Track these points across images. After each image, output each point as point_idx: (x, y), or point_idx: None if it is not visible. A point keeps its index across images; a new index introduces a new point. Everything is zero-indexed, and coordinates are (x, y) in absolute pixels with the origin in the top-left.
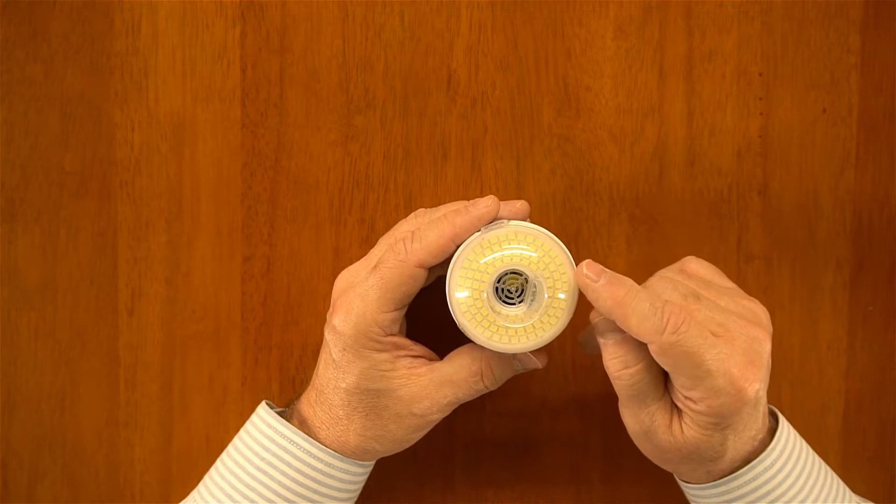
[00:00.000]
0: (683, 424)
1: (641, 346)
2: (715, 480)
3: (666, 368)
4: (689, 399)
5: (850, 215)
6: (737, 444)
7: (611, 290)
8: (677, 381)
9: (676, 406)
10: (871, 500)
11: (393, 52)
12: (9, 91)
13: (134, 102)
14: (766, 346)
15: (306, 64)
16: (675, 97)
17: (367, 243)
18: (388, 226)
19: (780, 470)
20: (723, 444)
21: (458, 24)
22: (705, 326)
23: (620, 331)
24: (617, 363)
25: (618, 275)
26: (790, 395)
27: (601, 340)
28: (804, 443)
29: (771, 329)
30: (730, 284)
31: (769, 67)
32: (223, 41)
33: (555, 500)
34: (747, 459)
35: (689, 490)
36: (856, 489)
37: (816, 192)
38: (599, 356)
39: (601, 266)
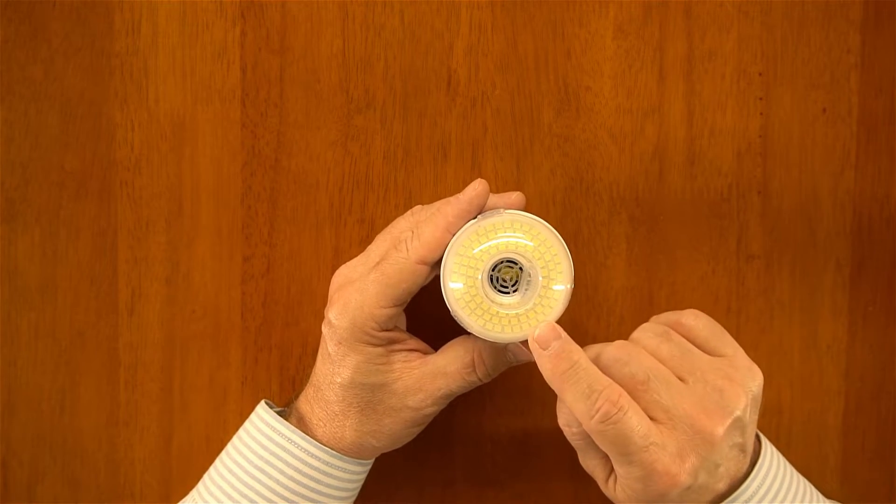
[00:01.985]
0: (618, 486)
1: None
2: None
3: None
4: (619, 473)
5: (850, 215)
6: None
7: (554, 363)
8: (609, 456)
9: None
10: (871, 500)
11: (393, 52)
12: (9, 91)
13: (134, 102)
14: (716, 434)
15: (306, 64)
16: (675, 97)
17: (367, 243)
18: (388, 225)
19: (759, 502)
20: None
21: (458, 24)
22: (646, 413)
23: None
24: (561, 418)
25: (568, 346)
26: (790, 395)
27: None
28: (788, 470)
29: (743, 400)
30: (722, 349)
31: (769, 67)
32: (223, 41)
33: (555, 499)
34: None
35: None
36: (856, 489)
37: (816, 192)
38: None
39: (558, 331)
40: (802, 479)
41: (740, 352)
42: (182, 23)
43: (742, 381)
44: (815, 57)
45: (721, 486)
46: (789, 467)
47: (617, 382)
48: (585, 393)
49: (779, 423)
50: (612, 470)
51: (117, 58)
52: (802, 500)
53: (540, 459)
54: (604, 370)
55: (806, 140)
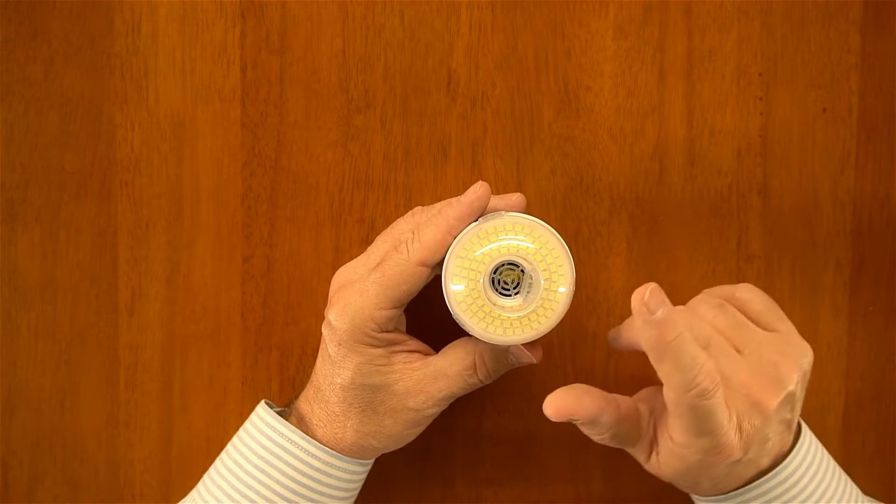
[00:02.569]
0: (667, 458)
1: (607, 422)
2: (722, 493)
3: (671, 412)
4: (674, 442)
5: (850, 215)
6: (715, 483)
7: (661, 330)
8: (675, 427)
9: (656, 441)
10: (871, 500)
11: (393, 52)
12: (9, 91)
13: (134, 102)
14: (770, 406)
15: (306, 64)
16: (675, 97)
17: (367, 243)
18: (388, 226)
19: (795, 483)
20: (697, 483)
21: (458, 24)
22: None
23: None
24: (590, 434)
25: (675, 314)
26: None
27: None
28: (825, 455)
29: (794, 376)
30: (773, 322)
31: (769, 67)
32: (223, 41)
33: (555, 499)
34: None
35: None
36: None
37: (816, 192)
38: (628, 352)
39: (663, 297)
40: (835, 464)
41: (793, 328)
42: (182, 23)
43: (796, 357)
44: (815, 57)
45: (765, 461)
46: (826, 455)
47: None
48: (689, 365)
49: None
50: (653, 447)
51: (117, 58)
52: (839, 484)
53: (540, 459)
54: None
55: (806, 140)
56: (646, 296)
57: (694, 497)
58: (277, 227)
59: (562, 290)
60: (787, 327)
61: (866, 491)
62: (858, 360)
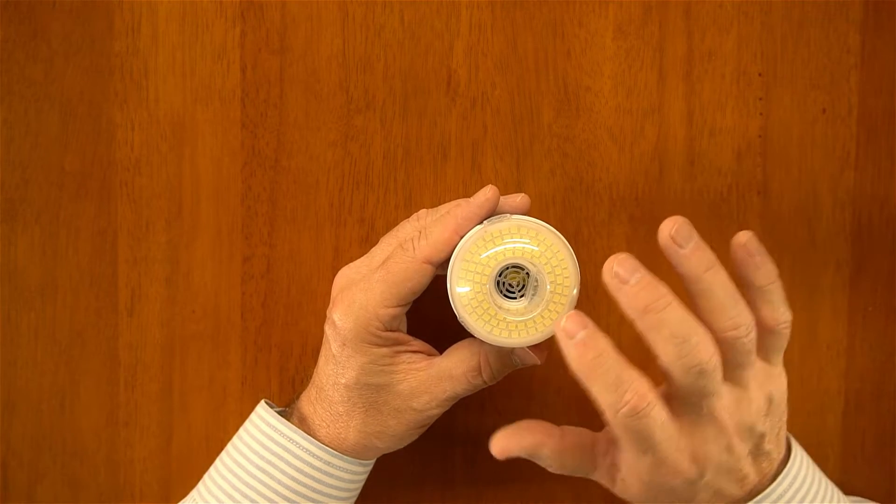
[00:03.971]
0: (627, 480)
1: (548, 454)
2: None
3: (613, 432)
4: (624, 462)
5: (850, 215)
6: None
7: (581, 351)
8: (622, 446)
9: (616, 466)
10: (871, 500)
11: (393, 52)
12: (9, 91)
13: (134, 102)
14: (724, 442)
15: (306, 64)
16: (675, 97)
17: (367, 243)
18: (388, 226)
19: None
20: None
21: (458, 24)
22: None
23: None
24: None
25: (595, 335)
26: (790, 396)
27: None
28: (817, 475)
29: (765, 410)
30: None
31: (769, 67)
32: (223, 41)
33: (555, 499)
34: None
35: None
36: (855, 489)
37: (816, 192)
38: None
39: (584, 320)
40: (832, 485)
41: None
42: (182, 23)
43: (763, 385)
44: (815, 57)
45: (735, 490)
46: (819, 472)
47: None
48: (614, 384)
49: None
50: (614, 475)
51: (117, 58)
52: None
53: None
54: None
55: (806, 140)
56: (563, 323)
57: None
58: (277, 227)
59: (566, 292)
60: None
61: (867, 491)
62: (858, 360)
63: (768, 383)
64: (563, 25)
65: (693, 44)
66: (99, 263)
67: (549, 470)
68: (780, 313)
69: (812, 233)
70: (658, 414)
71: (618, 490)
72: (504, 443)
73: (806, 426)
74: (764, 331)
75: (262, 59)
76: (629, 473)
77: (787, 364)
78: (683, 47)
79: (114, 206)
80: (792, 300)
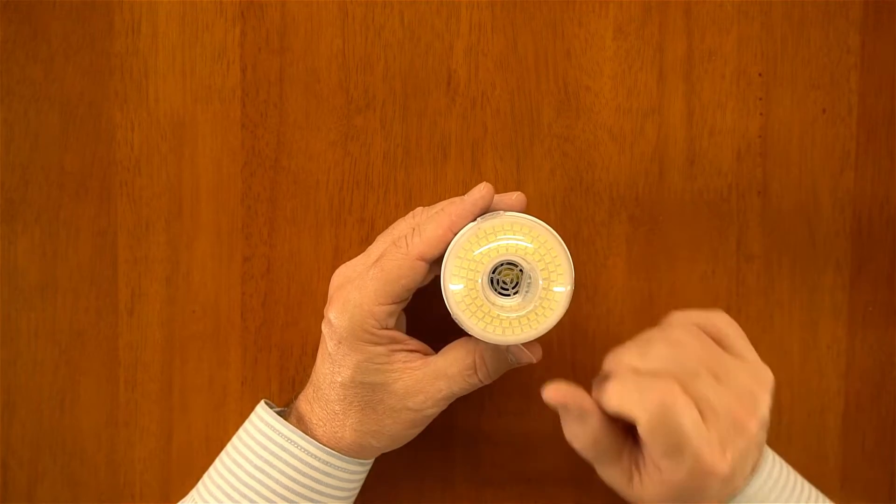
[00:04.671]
0: (650, 484)
1: (594, 423)
2: None
3: (644, 439)
4: (656, 467)
5: (850, 215)
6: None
7: (607, 396)
8: (653, 449)
9: (638, 469)
10: (871, 500)
11: (393, 52)
12: (9, 91)
13: (134, 102)
14: (752, 428)
15: (306, 64)
16: (675, 97)
17: (367, 243)
18: (388, 226)
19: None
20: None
21: (458, 24)
22: (695, 405)
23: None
24: (568, 432)
25: (581, 395)
26: (790, 395)
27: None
28: (791, 471)
29: (767, 401)
30: (742, 351)
31: (769, 67)
32: (223, 41)
33: (555, 499)
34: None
35: None
36: (855, 489)
37: (816, 192)
38: None
39: (564, 390)
40: (804, 482)
41: (757, 356)
42: (182, 23)
43: (764, 384)
44: (815, 57)
45: (741, 482)
46: (788, 468)
47: (672, 373)
48: (637, 389)
49: (779, 423)
50: (632, 474)
51: (117, 58)
52: (808, 501)
53: (540, 459)
54: (652, 361)
55: (806, 140)
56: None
57: None
58: (277, 227)
59: (560, 289)
60: (753, 356)
61: (867, 491)
62: (858, 360)
63: (761, 375)
64: (563, 25)
65: (693, 44)
66: (99, 263)
67: (577, 443)
68: (713, 316)
69: (812, 233)
70: (686, 410)
71: (633, 493)
72: (564, 390)
73: (806, 426)
74: (714, 339)
75: (262, 59)
76: (661, 480)
77: (788, 364)
78: (683, 47)
79: (114, 206)
80: (792, 300)
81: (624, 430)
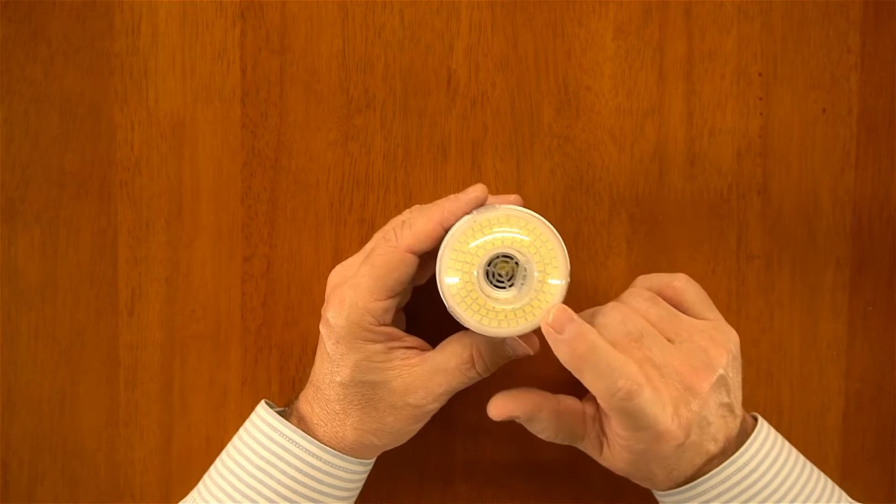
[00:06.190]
0: (618, 452)
1: (546, 418)
2: (677, 485)
3: (608, 414)
4: (618, 436)
5: (850, 215)
6: (668, 472)
7: (572, 346)
8: (616, 425)
9: (605, 435)
10: (871, 500)
11: (393, 52)
12: (9, 91)
13: (134, 102)
14: (703, 388)
15: (306, 64)
16: (675, 97)
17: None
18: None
19: (753, 470)
20: (651, 472)
21: (458, 24)
22: (640, 368)
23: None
24: (534, 432)
25: (583, 327)
26: (790, 395)
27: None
28: (785, 445)
29: (723, 359)
30: (703, 311)
31: (769, 67)
32: (223, 41)
33: (555, 499)
34: (708, 465)
35: (656, 495)
36: (855, 489)
37: (816, 192)
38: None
39: (570, 314)
40: (805, 461)
41: (720, 317)
42: (182, 23)
43: (723, 341)
44: (815, 57)
45: (712, 447)
46: (788, 445)
47: (613, 340)
48: (606, 372)
49: (779, 423)
50: (602, 443)
51: (117, 58)
52: (808, 479)
53: (540, 459)
54: (600, 329)
55: (806, 140)
56: (550, 318)
57: (655, 494)
58: (277, 227)
59: (556, 282)
60: (715, 315)
61: (867, 491)
62: (858, 360)
63: (718, 335)
64: (563, 25)
65: (693, 44)
66: (99, 263)
67: (542, 437)
68: (671, 278)
69: (812, 233)
70: (647, 392)
71: (604, 459)
72: (502, 403)
73: (806, 426)
74: (673, 301)
75: (262, 59)
76: (622, 445)
77: (788, 364)
78: (683, 47)
79: (114, 206)
80: (792, 300)
81: (579, 409)
